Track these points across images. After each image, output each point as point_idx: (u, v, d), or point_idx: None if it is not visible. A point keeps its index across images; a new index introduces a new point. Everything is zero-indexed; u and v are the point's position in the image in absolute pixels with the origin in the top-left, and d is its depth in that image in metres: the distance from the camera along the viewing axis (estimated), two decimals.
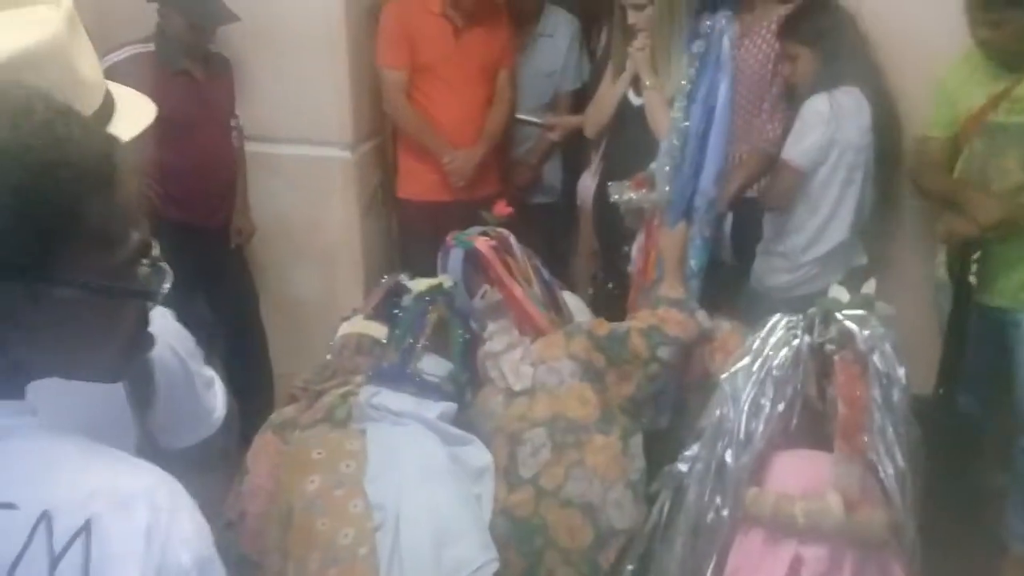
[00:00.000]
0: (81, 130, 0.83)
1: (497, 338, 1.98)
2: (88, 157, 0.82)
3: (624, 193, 2.25)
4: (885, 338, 1.55)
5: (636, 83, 2.93)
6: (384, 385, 1.91)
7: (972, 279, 2.50)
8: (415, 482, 1.76)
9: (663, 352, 1.90)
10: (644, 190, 2.23)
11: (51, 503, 0.79)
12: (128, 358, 0.92)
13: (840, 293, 1.67)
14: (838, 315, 1.57)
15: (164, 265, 0.90)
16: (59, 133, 0.81)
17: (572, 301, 2.25)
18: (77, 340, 0.85)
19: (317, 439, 1.88)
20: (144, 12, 2.94)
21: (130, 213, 0.86)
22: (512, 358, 1.94)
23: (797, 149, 2.71)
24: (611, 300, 3.05)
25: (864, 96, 2.69)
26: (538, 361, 1.93)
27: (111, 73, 2.96)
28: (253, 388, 3.23)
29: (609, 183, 2.31)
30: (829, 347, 1.55)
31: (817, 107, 2.67)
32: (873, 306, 1.63)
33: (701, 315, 1.98)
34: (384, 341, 2.04)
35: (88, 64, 1.19)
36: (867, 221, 2.84)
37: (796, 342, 1.56)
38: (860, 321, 1.56)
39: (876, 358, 1.53)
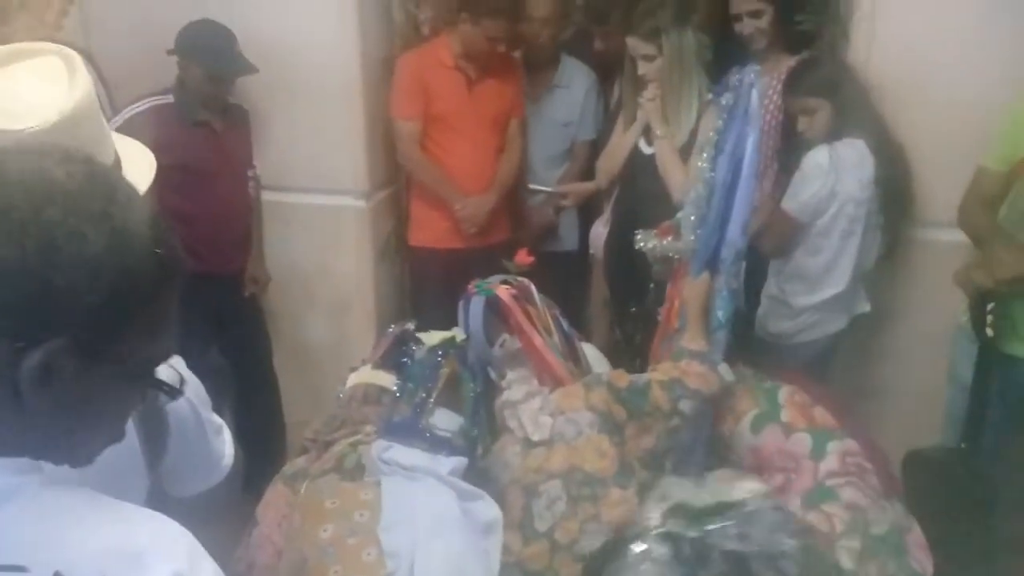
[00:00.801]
0: (161, 222, 0.87)
1: (516, 387, 1.97)
2: (171, 249, 0.86)
3: (649, 241, 2.26)
4: (781, 531, 1.39)
5: (647, 132, 2.97)
6: (395, 439, 1.90)
7: (988, 331, 2.46)
8: (430, 532, 1.74)
9: (684, 405, 1.88)
10: (670, 238, 2.23)
11: (62, 564, 0.78)
12: (104, 445, 0.91)
13: (687, 491, 1.49)
14: (711, 537, 1.39)
15: (179, 369, 0.94)
16: (156, 223, 0.85)
17: (591, 352, 2.25)
18: (83, 419, 0.85)
19: (330, 489, 1.86)
20: (164, 64, 2.98)
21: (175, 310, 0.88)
22: (531, 408, 1.92)
23: (795, 200, 2.73)
24: (627, 349, 3.05)
25: (868, 147, 2.70)
26: (557, 412, 1.91)
27: (131, 124, 3.02)
28: (265, 435, 3.22)
29: (637, 231, 2.32)
30: None
31: (817, 159, 2.69)
32: (738, 504, 1.46)
33: (723, 368, 1.96)
34: (392, 389, 2.04)
35: (102, 116, 1.21)
36: (871, 270, 2.85)
37: None
38: (743, 535, 1.38)
39: (786, 565, 1.38)
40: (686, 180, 2.80)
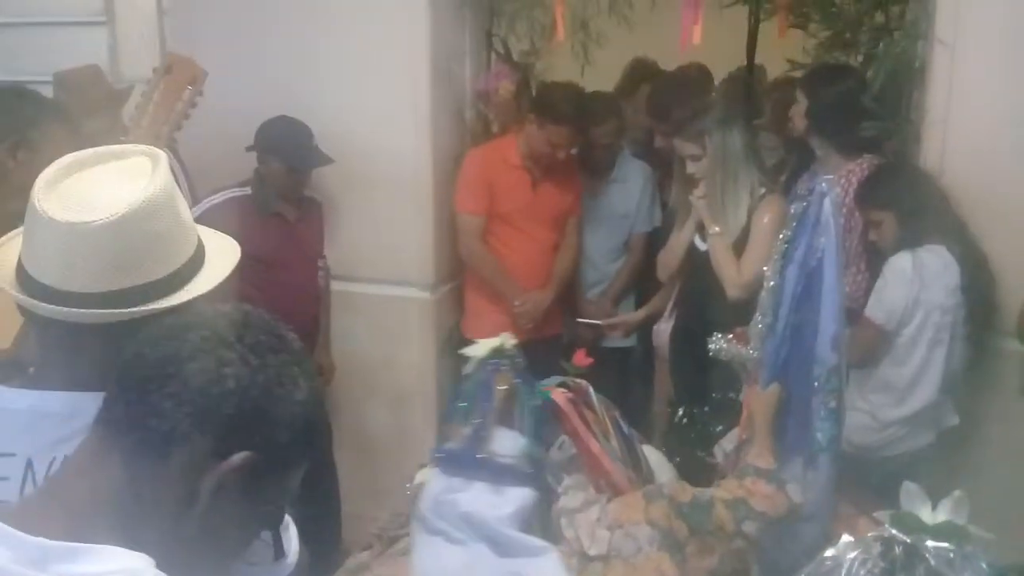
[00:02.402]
0: None
1: (573, 494, 1.90)
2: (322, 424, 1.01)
3: (719, 345, 2.23)
4: None
5: (702, 230, 2.99)
6: (454, 473, 1.81)
7: None
8: None
9: (749, 527, 1.80)
10: (740, 344, 2.19)
11: None
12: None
13: (921, 507, 1.44)
14: (925, 551, 1.33)
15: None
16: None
17: (652, 456, 2.17)
18: (214, 542, 0.95)
19: None
20: (242, 158, 3.09)
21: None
22: (588, 518, 1.85)
23: (879, 307, 2.66)
24: (687, 445, 2.97)
25: (951, 254, 2.64)
26: (615, 524, 1.84)
27: (209, 215, 3.13)
28: (321, 525, 3.19)
29: (715, 334, 2.30)
30: None
31: (900, 265, 2.63)
32: (968, 537, 1.40)
33: (792, 489, 1.87)
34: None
35: (184, 208, 1.26)
36: (959, 380, 2.74)
37: None
38: (954, 563, 1.33)
39: None
40: (740, 275, 2.83)
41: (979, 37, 2.69)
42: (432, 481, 1.83)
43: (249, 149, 3.07)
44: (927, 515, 1.41)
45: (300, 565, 1.42)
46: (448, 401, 2.02)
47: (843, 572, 1.32)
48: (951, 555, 1.33)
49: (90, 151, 1.26)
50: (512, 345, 2.03)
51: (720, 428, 2.55)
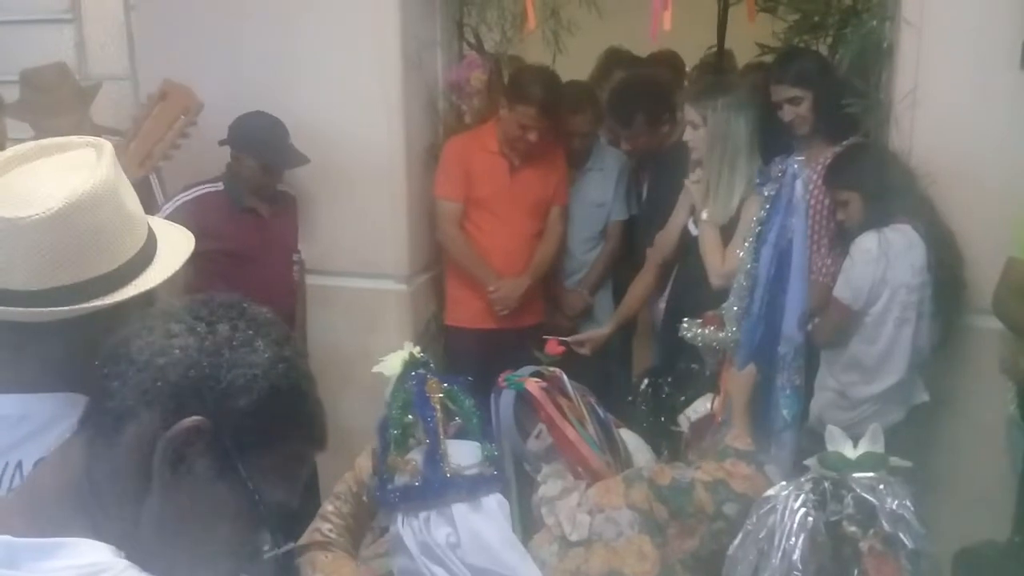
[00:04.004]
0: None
1: (552, 482, 1.90)
2: (322, 415, 0.98)
3: (693, 329, 2.24)
4: (906, 507, 1.44)
5: (695, 214, 2.99)
6: (421, 508, 1.67)
7: None
8: None
9: (729, 509, 1.79)
10: (713, 328, 2.20)
11: None
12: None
13: (843, 445, 1.57)
14: (851, 483, 1.46)
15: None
16: (314, 385, 0.98)
17: (630, 439, 2.17)
18: (187, 531, 0.88)
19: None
20: (215, 153, 3.06)
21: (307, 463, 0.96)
22: (568, 504, 1.85)
23: (846, 287, 2.69)
24: (651, 415, 2.98)
25: (917, 233, 2.67)
26: (595, 509, 1.84)
27: (181, 211, 3.09)
28: (300, 516, 3.18)
29: (684, 319, 2.30)
30: (851, 529, 1.45)
31: (865, 245, 2.66)
32: (886, 463, 1.52)
33: (771, 470, 1.88)
34: None
35: (132, 201, 1.23)
36: (928, 358, 2.77)
37: (810, 520, 1.45)
38: (877, 489, 1.46)
39: (903, 535, 1.42)
40: (723, 264, 2.82)
41: (945, 17, 2.72)
42: (401, 538, 1.67)
43: (222, 143, 3.04)
44: (849, 452, 1.55)
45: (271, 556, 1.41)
46: (378, 433, 1.85)
47: (780, 508, 1.47)
48: (874, 483, 1.48)
49: (33, 144, 1.23)
50: (420, 350, 1.94)
51: (683, 398, 2.57)
